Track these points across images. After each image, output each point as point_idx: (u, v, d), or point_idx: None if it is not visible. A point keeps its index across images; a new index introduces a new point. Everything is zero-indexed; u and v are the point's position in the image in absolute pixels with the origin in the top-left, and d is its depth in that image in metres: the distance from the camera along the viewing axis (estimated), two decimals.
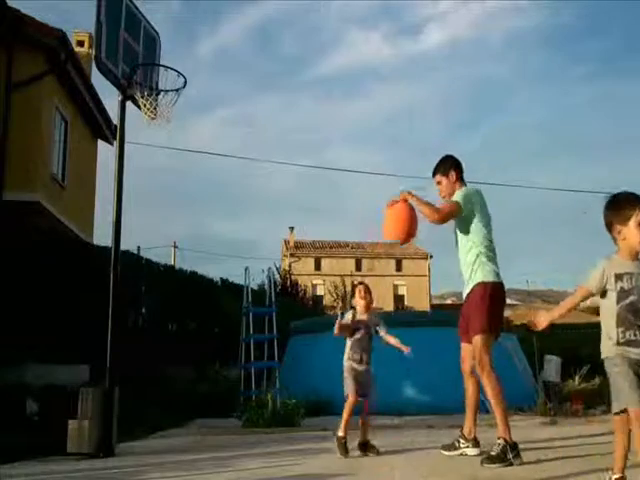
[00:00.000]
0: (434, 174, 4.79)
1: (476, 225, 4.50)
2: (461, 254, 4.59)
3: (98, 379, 6.09)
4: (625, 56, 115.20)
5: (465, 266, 4.54)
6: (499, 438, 4.21)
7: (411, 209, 4.50)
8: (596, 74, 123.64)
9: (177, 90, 6.27)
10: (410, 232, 4.58)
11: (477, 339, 4.36)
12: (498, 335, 4.52)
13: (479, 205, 4.54)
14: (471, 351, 4.46)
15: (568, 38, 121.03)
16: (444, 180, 4.70)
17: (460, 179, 4.72)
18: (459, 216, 4.50)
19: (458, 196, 4.53)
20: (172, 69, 6.30)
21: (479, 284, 4.43)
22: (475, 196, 4.58)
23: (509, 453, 4.12)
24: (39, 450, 5.66)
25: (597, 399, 9.33)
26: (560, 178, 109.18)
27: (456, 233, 4.66)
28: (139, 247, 13.71)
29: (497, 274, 4.48)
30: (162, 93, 6.35)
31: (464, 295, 4.62)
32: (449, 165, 4.73)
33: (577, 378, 9.31)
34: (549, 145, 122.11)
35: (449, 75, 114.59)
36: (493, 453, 4.17)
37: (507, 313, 29.93)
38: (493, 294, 4.41)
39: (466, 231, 4.54)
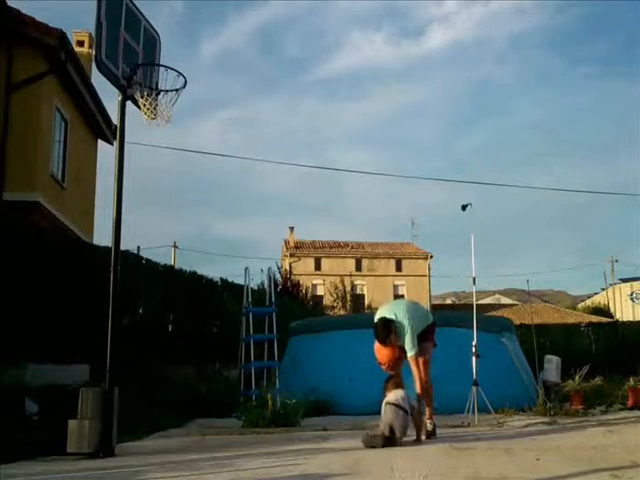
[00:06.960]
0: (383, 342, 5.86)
1: None
2: None
3: (98, 379, 6.08)
4: (627, 58, 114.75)
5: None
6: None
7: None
8: (597, 75, 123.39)
9: (177, 90, 6.27)
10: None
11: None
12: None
13: None
14: None
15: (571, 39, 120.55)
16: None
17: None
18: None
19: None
20: (172, 69, 6.30)
21: None
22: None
23: None
24: (39, 450, 5.65)
25: (597, 399, 9.34)
26: (559, 178, 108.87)
27: None
28: (139, 247, 13.72)
29: None
30: (162, 93, 6.35)
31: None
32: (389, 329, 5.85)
33: (577, 378, 9.29)
34: (549, 145, 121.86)
35: (450, 76, 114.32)
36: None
37: (507, 313, 29.94)
38: None
39: None
